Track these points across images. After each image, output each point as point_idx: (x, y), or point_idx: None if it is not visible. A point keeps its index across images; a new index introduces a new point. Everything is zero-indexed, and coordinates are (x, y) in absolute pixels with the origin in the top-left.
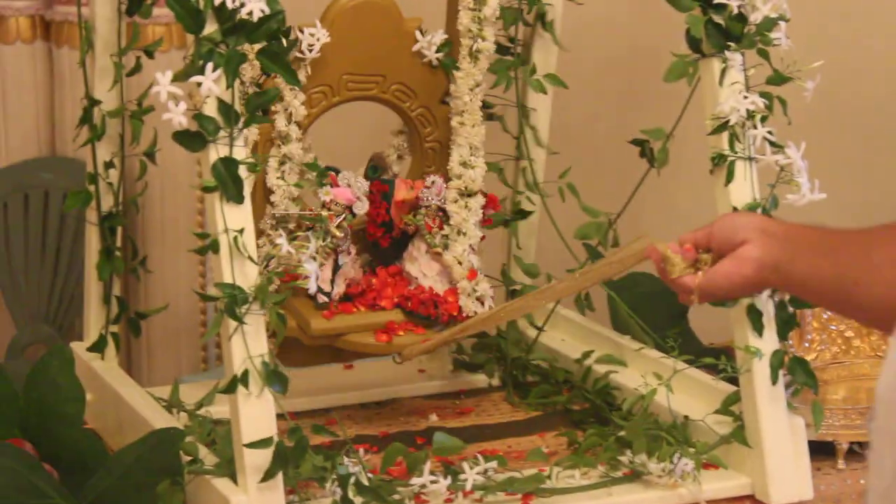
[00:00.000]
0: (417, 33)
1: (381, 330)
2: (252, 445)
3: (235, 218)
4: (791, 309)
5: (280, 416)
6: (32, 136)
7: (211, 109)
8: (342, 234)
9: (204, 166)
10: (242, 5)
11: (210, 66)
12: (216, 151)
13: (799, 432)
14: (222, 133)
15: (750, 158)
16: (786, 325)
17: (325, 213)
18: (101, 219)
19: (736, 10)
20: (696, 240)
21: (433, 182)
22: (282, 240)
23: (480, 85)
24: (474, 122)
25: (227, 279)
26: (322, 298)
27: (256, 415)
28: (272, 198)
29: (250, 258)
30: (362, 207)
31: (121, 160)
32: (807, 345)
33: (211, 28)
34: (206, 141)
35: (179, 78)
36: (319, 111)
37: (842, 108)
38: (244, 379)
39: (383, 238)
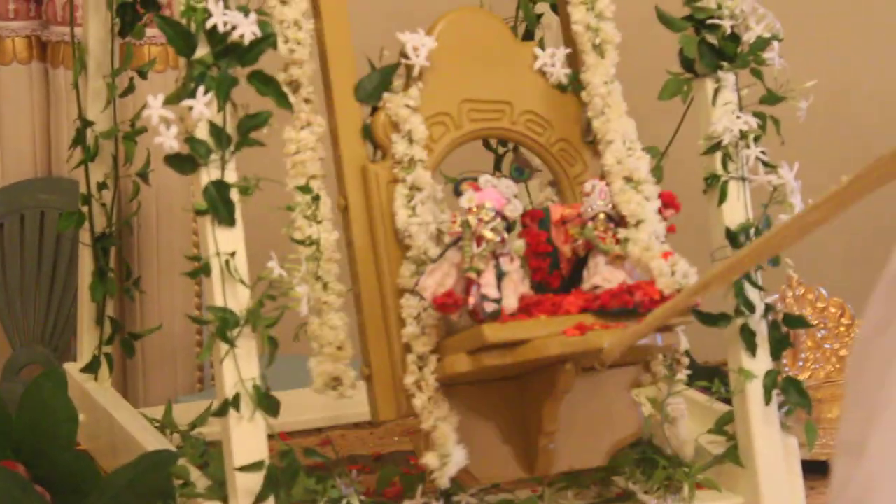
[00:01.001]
0: (536, 50)
1: (572, 327)
2: (243, 469)
3: (227, 241)
4: (784, 329)
5: (272, 438)
6: (28, 157)
7: (202, 132)
8: (499, 238)
9: (196, 189)
10: (234, 28)
11: (201, 89)
12: (208, 174)
13: (792, 452)
14: (214, 156)
15: (743, 178)
16: (779, 344)
17: (472, 218)
18: (94, 240)
19: (729, 30)
20: None
21: (594, 186)
22: (273, 263)
23: (615, 80)
24: (619, 113)
25: (219, 302)
26: (490, 306)
27: (248, 438)
28: (407, 241)
29: (241, 281)
30: (515, 210)
31: (114, 181)
32: (801, 364)
33: (203, 51)
34: (198, 164)
35: (171, 101)
36: (443, 148)
37: (835, 127)
38: (235, 402)
39: (551, 276)
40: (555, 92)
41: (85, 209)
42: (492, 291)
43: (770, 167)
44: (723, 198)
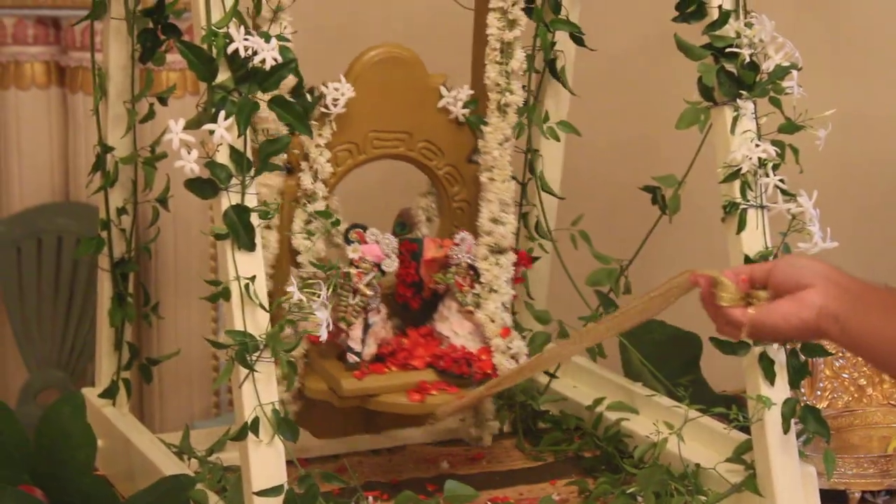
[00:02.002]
0: (442, 89)
1: (414, 389)
2: (262, 494)
3: (247, 265)
4: (803, 357)
5: (290, 463)
6: (46, 182)
7: (223, 157)
8: (372, 292)
9: (216, 214)
10: (255, 53)
11: (222, 113)
12: (228, 199)
13: (811, 481)
14: (234, 181)
15: (762, 206)
16: (798, 373)
17: (353, 270)
18: (113, 265)
19: (748, 59)
20: (753, 273)
21: (463, 239)
22: (293, 287)
23: (509, 140)
24: (504, 177)
25: (238, 326)
26: (353, 358)
27: (266, 462)
28: (298, 258)
29: (261, 306)
30: (392, 265)
31: (133, 206)
32: (819, 393)
33: (223, 76)
34: (218, 189)
35: (192, 125)
36: (345, 169)
37: (854, 156)
38: (254, 427)
39: (413, 299)
40: (452, 125)
41: (104, 235)
42: (356, 345)
43: (789, 195)
44: (741, 226)
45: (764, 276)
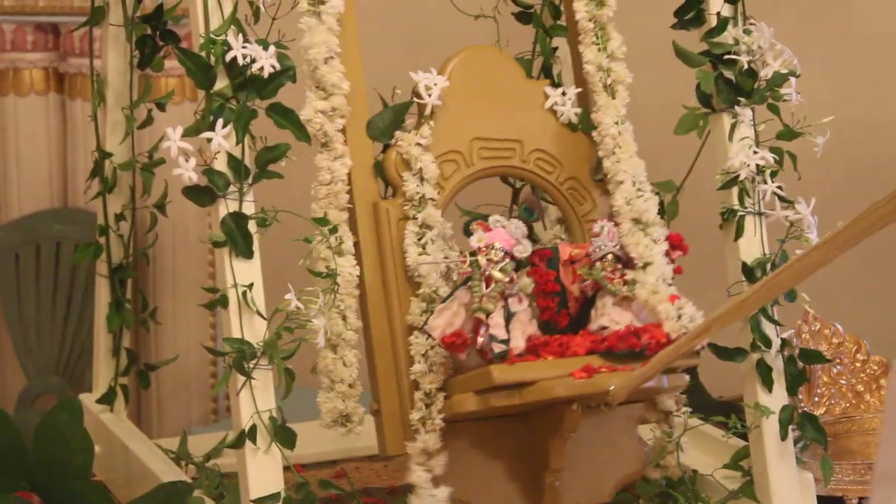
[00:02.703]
0: (548, 89)
1: (579, 369)
2: (259, 500)
3: (245, 273)
4: (800, 364)
5: (287, 469)
6: (45, 188)
7: (221, 164)
8: (507, 278)
9: (214, 221)
10: (253, 61)
11: (220, 121)
12: (226, 206)
13: (808, 487)
14: (232, 188)
15: (759, 213)
16: (795, 380)
17: (482, 258)
18: (111, 271)
19: (746, 66)
20: None
21: (602, 227)
22: (290, 295)
23: (625, 122)
24: (630, 153)
25: (236, 334)
26: (499, 347)
27: (264, 469)
28: (417, 279)
29: (259, 313)
30: (523, 250)
31: (131, 212)
32: (816, 399)
33: (222, 83)
34: (216, 196)
35: (190, 133)
36: (454, 186)
37: (852, 163)
38: (252, 434)
39: (560, 315)
40: (565, 130)
41: (102, 240)
42: (500, 332)
43: (787, 202)
44: (739, 233)
45: None
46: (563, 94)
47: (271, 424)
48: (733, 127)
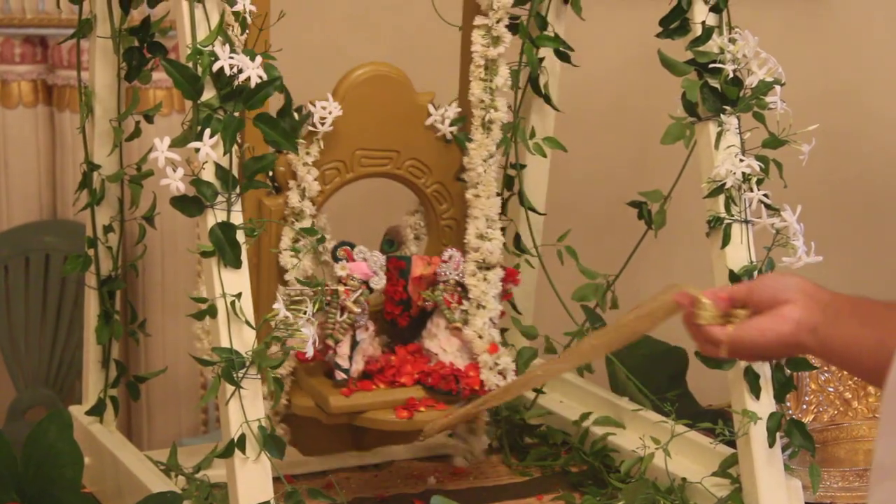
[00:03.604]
0: (430, 107)
1: (402, 406)
2: None
3: (233, 282)
4: (788, 371)
5: (277, 479)
6: (34, 200)
7: (209, 175)
8: (360, 309)
9: (202, 231)
10: (240, 72)
11: (208, 131)
12: (214, 216)
13: (796, 495)
14: (220, 198)
15: (746, 221)
16: (783, 387)
17: (341, 288)
18: (100, 283)
19: (731, 75)
20: (734, 293)
21: (451, 256)
22: (279, 305)
23: (494, 156)
24: (489, 193)
25: (225, 343)
26: (341, 375)
27: (253, 479)
28: (286, 276)
29: (247, 323)
30: (379, 282)
31: (120, 224)
32: (804, 406)
33: (209, 94)
34: (204, 206)
35: (177, 143)
36: (333, 188)
37: (838, 170)
38: (241, 443)
39: (401, 317)
40: (440, 143)
41: (91, 252)
42: (344, 362)
43: (773, 210)
44: (726, 241)
45: (744, 295)
46: (444, 113)
47: (260, 434)
48: (719, 135)
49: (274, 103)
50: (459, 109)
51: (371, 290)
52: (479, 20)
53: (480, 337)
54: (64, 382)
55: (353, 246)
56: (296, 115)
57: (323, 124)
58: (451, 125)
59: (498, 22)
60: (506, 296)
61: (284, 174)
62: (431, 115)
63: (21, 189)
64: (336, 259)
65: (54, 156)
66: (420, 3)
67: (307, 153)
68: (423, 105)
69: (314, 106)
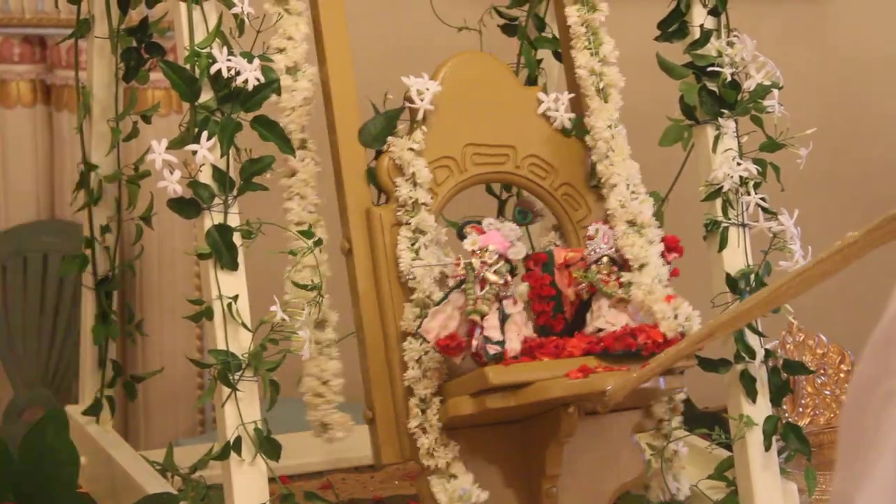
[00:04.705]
0: (541, 94)
1: (575, 370)
2: None
3: (230, 285)
4: (784, 375)
5: (273, 481)
6: (32, 200)
7: (206, 177)
8: (501, 280)
9: (199, 233)
10: (238, 74)
11: (205, 133)
12: (211, 218)
13: (792, 498)
14: (217, 200)
15: (743, 225)
16: (779, 391)
17: (475, 261)
18: (97, 283)
19: (729, 78)
20: None
21: (597, 230)
22: (275, 307)
23: (619, 125)
24: (623, 156)
25: (221, 346)
26: (494, 349)
27: (249, 481)
28: (411, 284)
29: (244, 325)
30: (518, 253)
31: (117, 224)
32: (801, 409)
33: (206, 96)
34: (201, 208)
35: (175, 145)
36: (447, 190)
37: (835, 175)
38: (237, 445)
39: (555, 319)
40: (558, 136)
41: (88, 252)
42: (495, 334)
43: (770, 214)
44: (723, 244)
45: None
46: (556, 99)
47: (256, 436)
48: (717, 139)
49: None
50: (573, 94)
51: (510, 264)
52: None
53: (651, 293)
54: (61, 383)
55: (479, 222)
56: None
57: (422, 100)
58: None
59: None
60: (673, 272)
61: (388, 173)
62: (543, 101)
63: (19, 189)
64: (462, 237)
65: (52, 156)
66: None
67: (411, 140)
68: (532, 93)
69: (409, 80)
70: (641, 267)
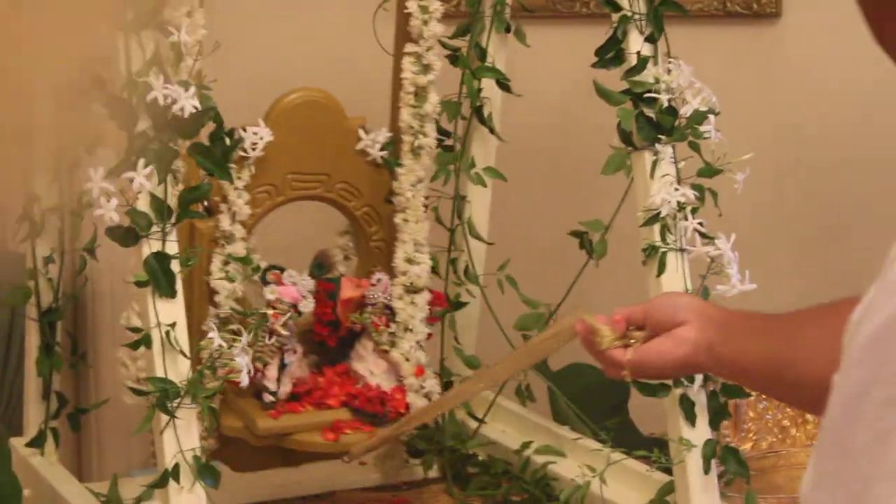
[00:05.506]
0: (361, 131)
1: (328, 428)
2: None
3: (168, 312)
4: (723, 399)
5: None
6: None
7: (143, 205)
8: (288, 333)
9: (136, 261)
10: (174, 102)
11: (142, 161)
12: (149, 246)
13: None
14: (155, 228)
15: (681, 250)
16: (718, 414)
17: (270, 311)
18: (40, 314)
19: (666, 104)
20: (630, 314)
21: (379, 280)
22: (213, 333)
23: (423, 181)
24: (417, 218)
25: (159, 373)
26: (268, 398)
27: None
28: (216, 298)
29: (182, 352)
30: (308, 306)
31: (60, 255)
32: (743, 434)
33: (143, 124)
34: (139, 236)
35: (112, 174)
36: (264, 211)
37: (774, 198)
38: (175, 473)
39: (330, 337)
40: (370, 167)
41: (31, 284)
42: (271, 385)
43: (708, 238)
44: (661, 269)
45: (641, 317)
46: (374, 138)
47: (195, 463)
48: (654, 164)
49: (207, 127)
50: (390, 134)
51: (299, 313)
52: (409, 48)
53: (407, 360)
54: (14, 415)
55: (282, 270)
56: (227, 140)
57: (254, 150)
58: (381, 149)
59: (428, 50)
60: (432, 319)
61: (215, 200)
62: (362, 139)
63: None
64: (265, 283)
65: None
66: (355, 30)
67: (238, 177)
68: (354, 130)
69: (245, 132)
70: (406, 330)
